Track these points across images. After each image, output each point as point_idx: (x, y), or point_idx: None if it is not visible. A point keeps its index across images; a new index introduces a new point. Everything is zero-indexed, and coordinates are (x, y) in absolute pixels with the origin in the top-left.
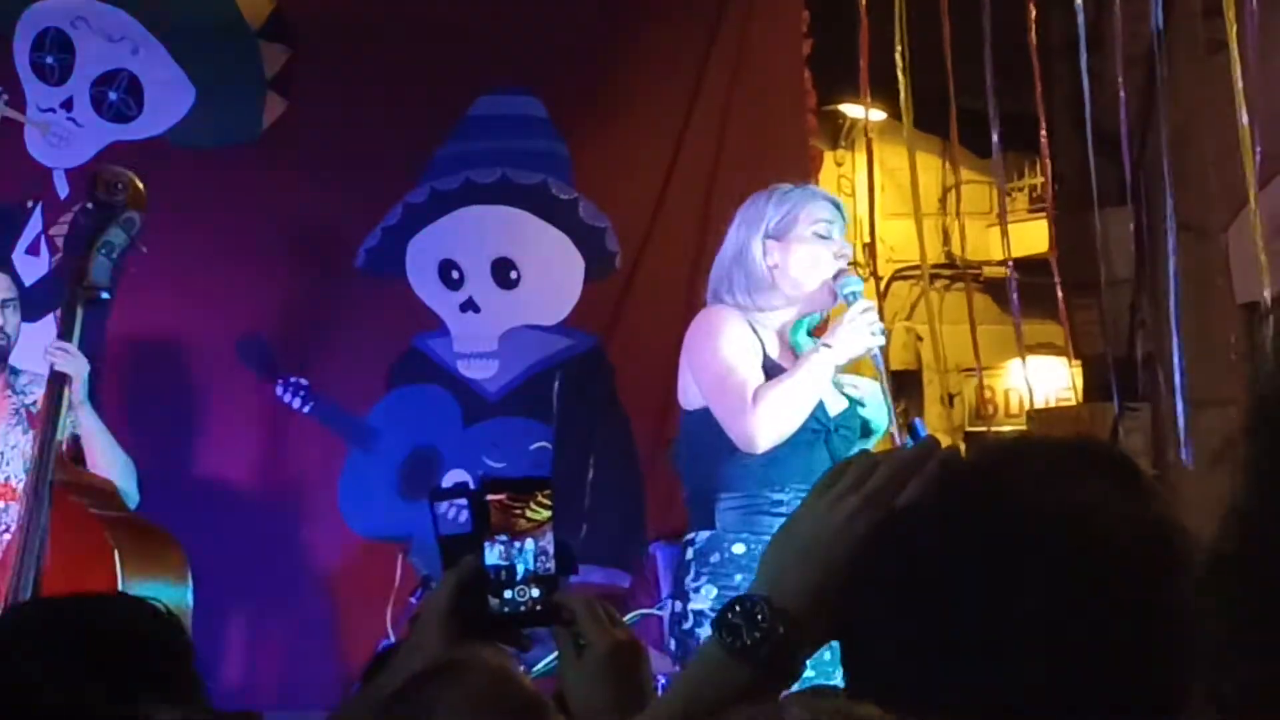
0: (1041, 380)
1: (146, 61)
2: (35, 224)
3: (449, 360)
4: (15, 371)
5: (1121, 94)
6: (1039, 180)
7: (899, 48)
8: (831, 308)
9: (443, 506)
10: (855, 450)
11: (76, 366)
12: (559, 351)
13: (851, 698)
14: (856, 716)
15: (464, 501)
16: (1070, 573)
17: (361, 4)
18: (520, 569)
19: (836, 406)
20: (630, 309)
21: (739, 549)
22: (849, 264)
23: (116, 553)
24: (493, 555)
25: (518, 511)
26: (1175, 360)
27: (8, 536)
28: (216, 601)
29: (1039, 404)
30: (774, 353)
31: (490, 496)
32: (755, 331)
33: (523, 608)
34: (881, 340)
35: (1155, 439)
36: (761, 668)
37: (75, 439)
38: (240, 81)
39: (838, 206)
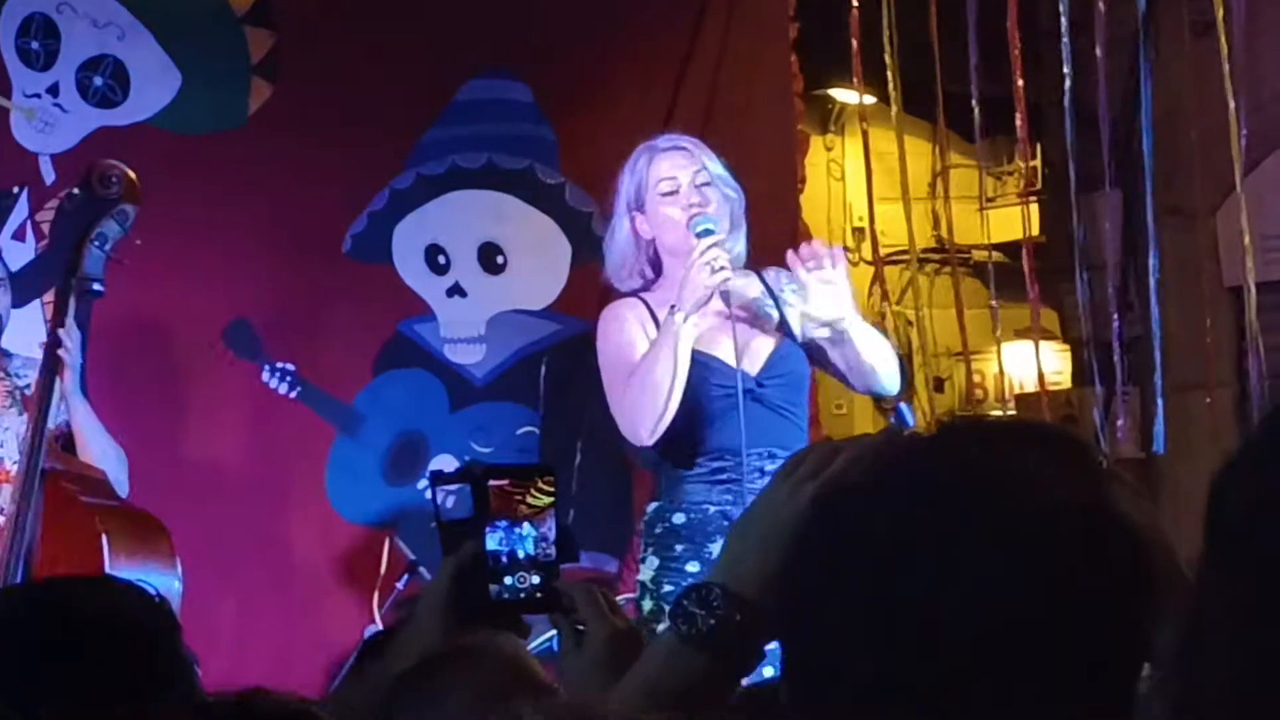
0: (1032, 364)
1: (132, 47)
2: (21, 210)
3: (436, 345)
4: (7, 355)
5: (1101, 77)
6: (1031, 164)
7: (887, 32)
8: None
9: (440, 492)
10: (797, 399)
11: (71, 357)
12: (546, 336)
13: (786, 681)
14: (591, 714)
15: (454, 487)
16: (1003, 544)
17: None
18: (520, 554)
19: (754, 363)
20: (617, 294)
21: (679, 519)
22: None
23: (105, 539)
24: (493, 541)
25: (518, 497)
26: (1155, 345)
27: (1, 520)
28: (204, 587)
29: (1030, 389)
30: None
31: (492, 482)
32: (652, 312)
33: (523, 594)
34: (725, 275)
35: (1143, 423)
36: (718, 654)
37: (66, 427)
38: (226, 67)
39: (687, 151)
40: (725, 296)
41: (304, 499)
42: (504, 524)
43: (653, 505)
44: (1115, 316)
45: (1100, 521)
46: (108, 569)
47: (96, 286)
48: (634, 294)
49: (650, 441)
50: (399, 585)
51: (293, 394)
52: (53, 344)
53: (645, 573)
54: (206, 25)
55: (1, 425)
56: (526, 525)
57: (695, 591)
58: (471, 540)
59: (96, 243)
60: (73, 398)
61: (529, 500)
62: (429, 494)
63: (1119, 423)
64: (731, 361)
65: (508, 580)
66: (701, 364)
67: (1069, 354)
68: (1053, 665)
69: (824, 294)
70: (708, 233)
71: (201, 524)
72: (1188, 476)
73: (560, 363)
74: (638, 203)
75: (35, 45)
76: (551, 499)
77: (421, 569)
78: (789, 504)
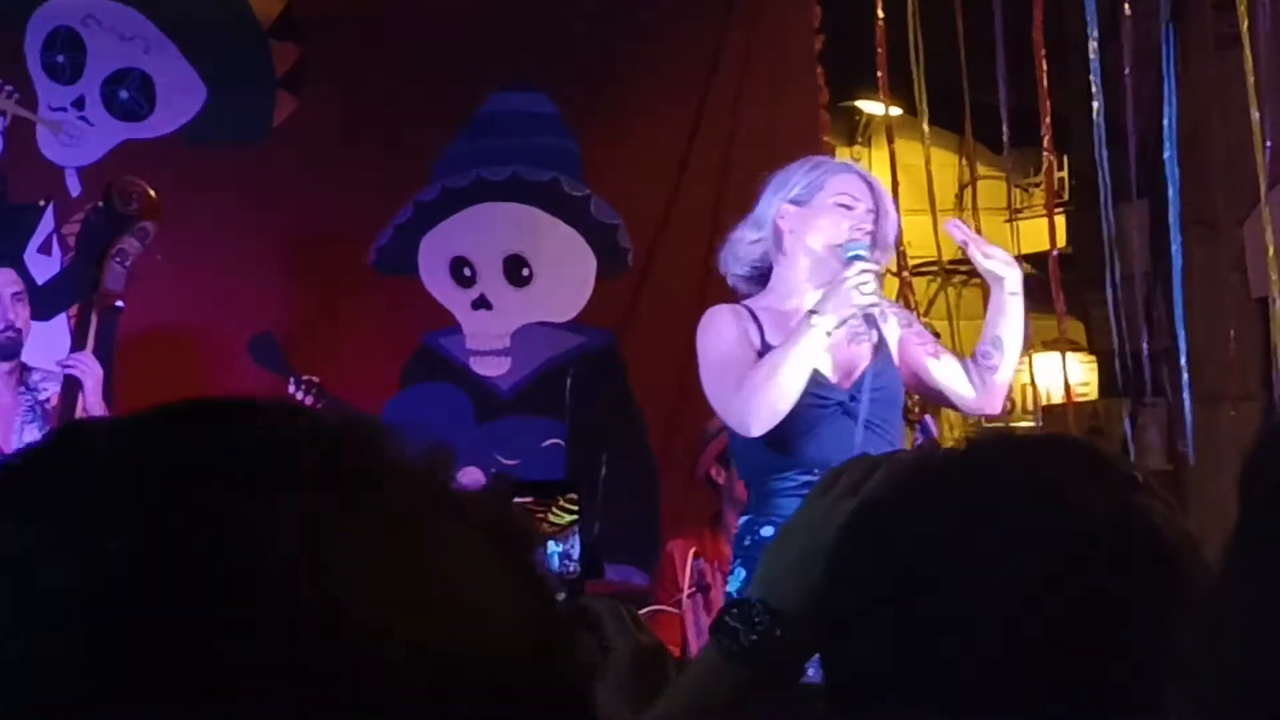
0: (1059, 376)
1: (158, 60)
2: (47, 223)
3: (461, 357)
4: (29, 368)
5: (1128, 88)
6: (1059, 175)
7: (913, 44)
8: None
9: None
10: (890, 415)
11: (92, 373)
12: (571, 349)
13: (829, 694)
14: None
15: None
16: (1040, 556)
17: (371, 2)
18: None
19: (849, 378)
20: (643, 306)
21: (767, 531)
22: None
23: None
24: None
25: (541, 515)
26: (1182, 356)
27: None
28: None
29: (1056, 400)
30: (778, 338)
31: (516, 500)
32: (755, 318)
33: None
34: (873, 299)
35: (1170, 434)
36: (759, 670)
37: None
38: (251, 80)
39: (871, 186)
40: (870, 320)
41: None
42: None
43: (744, 518)
44: (1144, 328)
45: (1132, 533)
46: None
47: (118, 303)
48: (738, 302)
49: (758, 434)
50: None
51: (318, 407)
52: (66, 367)
53: (733, 584)
54: (232, 39)
55: (23, 439)
56: (550, 544)
57: (736, 607)
58: None
59: (117, 259)
60: (94, 412)
61: (551, 519)
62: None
63: (1147, 434)
64: (829, 374)
65: None
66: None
67: (1095, 365)
68: (1087, 676)
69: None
70: (859, 258)
71: None
72: (1214, 488)
73: (586, 375)
74: (799, 197)
75: (61, 59)
76: (574, 517)
77: None
78: (828, 520)
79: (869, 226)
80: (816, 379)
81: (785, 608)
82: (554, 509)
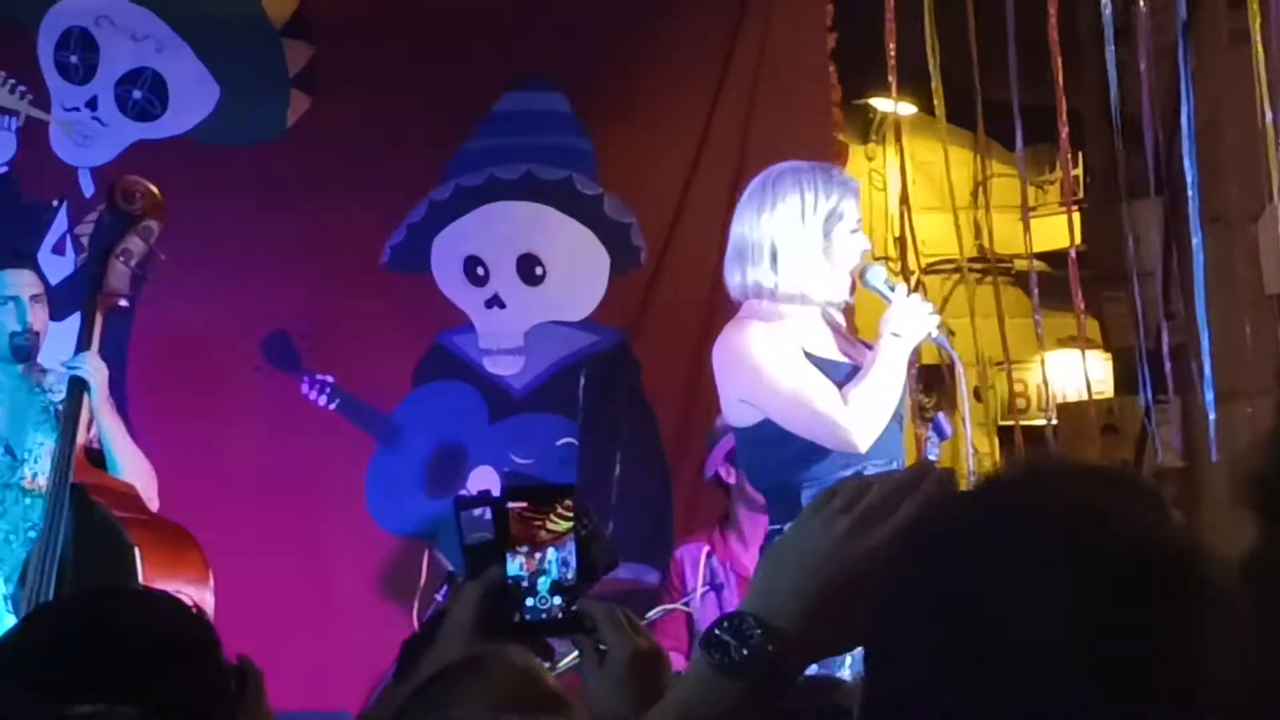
0: (1074, 374)
1: (171, 60)
2: (61, 223)
3: (474, 357)
4: (42, 370)
5: (1145, 85)
6: (1073, 172)
7: (929, 42)
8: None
9: (469, 512)
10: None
11: (98, 374)
12: (585, 347)
13: (873, 712)
14: None
15: (469, 496)
16: (1110, 584)
17: (385, 1)
18: (542, 579)
19: None
20: (656, 304)
21: None
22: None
23: (138, 553)
24: (514, 566)
25: (538, 523)
26: (1204, 354)
27: (33, 534)
28: (243, 599)
29: (1072, 398)
30: (818, 348)
31: (511, 505)
32: (786, 335)
33: (545, 616)
34: (937, 320)
35: (1186, 432)
36: (751, 684)
37: (97, 441)
38: (264, 79)
39: (858, 194)
40: (939, 340)
41: (344, 510)
42: (525, 549)
43: (772, 527)
44: (1160, 324)
45: (1190, 568)
46: (141, 582)
47: (123, 303)
48: (755, 318)
49: (864, 450)
50: (439, 597)
51: (332, 406)
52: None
53: None
54: (244, 38)
55: (36, 440)
56: (549, 550)
57: (728, 621)
58: (495, 565)
59: (121, 259)
60: (100, 414)
61: (549, 526)
62: (455, 520)
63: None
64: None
65: (529, 603)
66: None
67: (1111, 363)
68: (1136, 703)
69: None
70: (891, 285)
71: (241, 536)
72: (1229, 484)
73: (599, 373)
74: (829, 224)
75: (74, 59)
76: (571, 523)
77: (459, 577)
78: (822, 536)
79: (862, 245)
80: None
81: (778, 622)
82: (551, 516)
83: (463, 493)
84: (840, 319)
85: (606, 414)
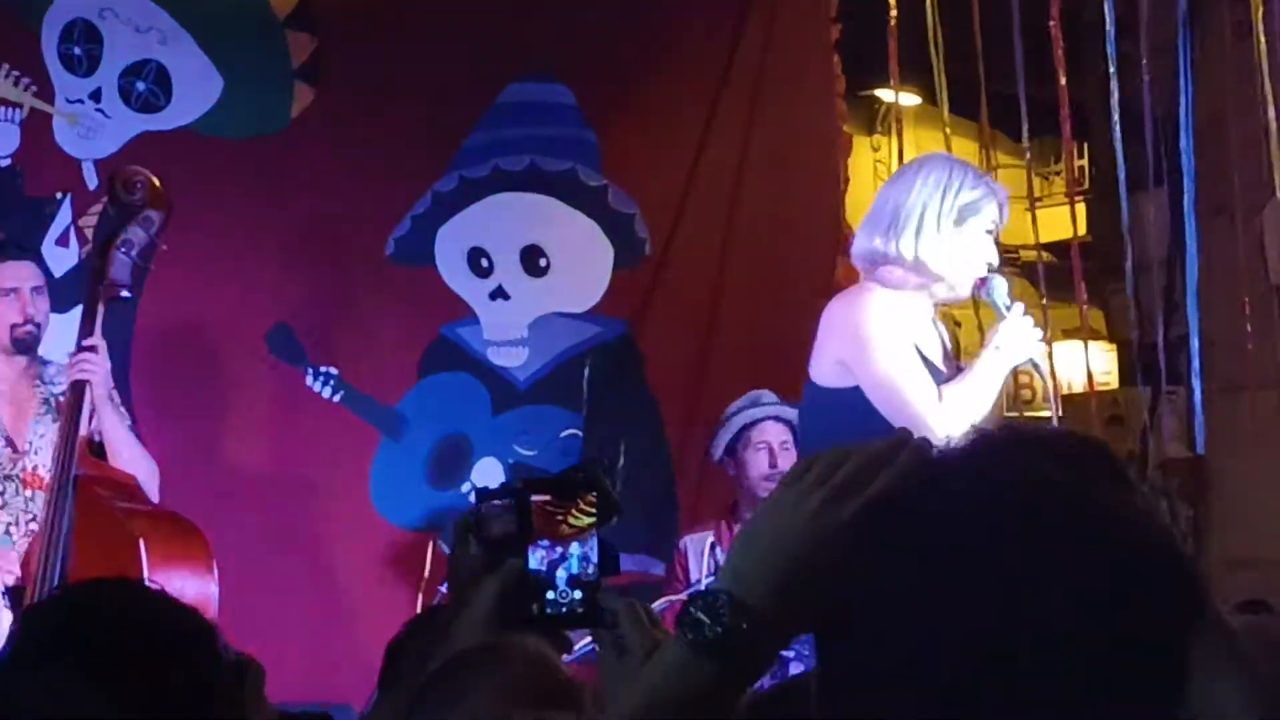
0: (1079, 365)
1: (174, 52)
2: (64, 215)
3: (479, 348)
4: (44, 361)
5: (1146, 78)
6: (1078, 164)
7: (932, 33)
8: (957, 302)
9: (490, 504)
10: None
11: (99, 369)
12: (588, 339)
13: (826, 692)
14: None
15: (491, 488)
16: (1069, 559)
17: None
18: (562, 573)
19: None
20: (660, 295)
21: None
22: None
23: (142, 544)
24: (535, 559)
25: (560, 517)
26: (1194, 345)
27: (34, 526)
28: (247, 591)
29: (1078, 389)
30: (926, 347)
31: (534, 498)
32: (904, 315)
33: (564, 609)
34: (1044, 348)
35: (1189, 423)
36: (724, 663)
37: (99, 433)
38: (268, 71)
39: (1004, 209)
40: (1039, 368)
41: (348, 502)
42: (546, 543)
43: None
44: (1162, 316)
45: (1152, 540)
46: (145, 574)
47: (125, 293)
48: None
49: None
50: (442, 589)
51: (336, 398)
52: (74, 367)
53: None
54: (248, 29)
55: (37, 432)
56: (571, 544)
57: (702, 599)
58: (515, 558)
59: (122, 249)
60: (102, 406)
61: (571, 520)
62: (476, 513)
63: (1166, 422)
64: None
65: (550, 596)
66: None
67: (1115, 354)
68: (1105, 684)
69: None
70: (1010, 302)
71: (245, 528)
72: (1235, 475)
73: (603, 365)
74: (960, 215)
75: (78, 51)
76: (593, 518)
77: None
78: (796, 511)
79: (997, 255)
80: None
81: (752, 600)
82: (574, 510)
83: (483, 485)
84: (946, 335)
85: (610, 405)
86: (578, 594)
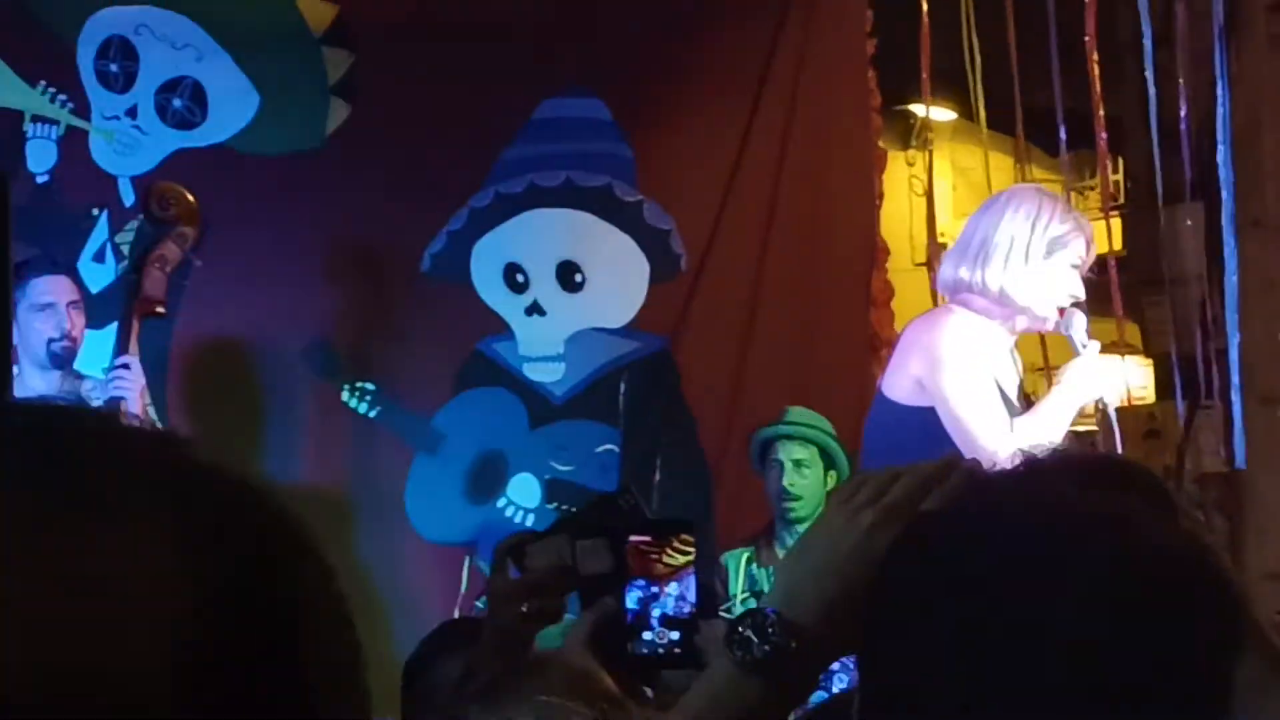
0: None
1: (210, 68)
2: (101, 231)
3: (515, 363)
4: (81, 376)
5: (1182, 90)
6: (1114, 177)
7: (967, 48)
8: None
9: (583, 542)
10: None
11: (134, 386)
12: (625, 354)
13: (869, 709)
14: None
15: (525, 505)
16: (1109, 580)
17: (424, 8)
18: (658, 612)
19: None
20: (696, 311)
21: None
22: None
23: None
24: (631, 599)
25: (655, 556)
26: (1233, 358)
27: None
28: None
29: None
30: (1003, 380)
31: (632, 538)
32: (986, 343)
33: (661, 650)
34: (1114, 390)
35: (1226, 437)
36: (772, 681)
37: None
38: (304, 87)
39: (1091, 246)
40: (1108, 409)
41: (384, 518)
42: (642, 583)
43: None
44: (1200, 329)
45: (1200, 566)
46: None
47: (159, 309)
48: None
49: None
50: (479, 604)
51: (373, 413)
52: (112, 385)
53: None
54: (284, 46)
55: None
56: (668, 584)
57: (750, 618)
58: (610, 597)
59: (157, 265)
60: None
61: (665, 560)
62: (567, 546)
63: (1203, 437)
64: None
65: (647, 636)
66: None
67: (1152, 368)
68: (1151, 706)
69: None
70: (1086, 342)
71: None
72: (1272, 489)
73: (639, 380)
74: (1049, 249)
75: (114, 68)
76: (688, 558)
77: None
78: (846, 531)
79: (1081, 293)
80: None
81: (802, 619)
82: (668, 550)
83: (573, 518)
84: (1020, 369)
85: (647, 421)
86: (675, 634)
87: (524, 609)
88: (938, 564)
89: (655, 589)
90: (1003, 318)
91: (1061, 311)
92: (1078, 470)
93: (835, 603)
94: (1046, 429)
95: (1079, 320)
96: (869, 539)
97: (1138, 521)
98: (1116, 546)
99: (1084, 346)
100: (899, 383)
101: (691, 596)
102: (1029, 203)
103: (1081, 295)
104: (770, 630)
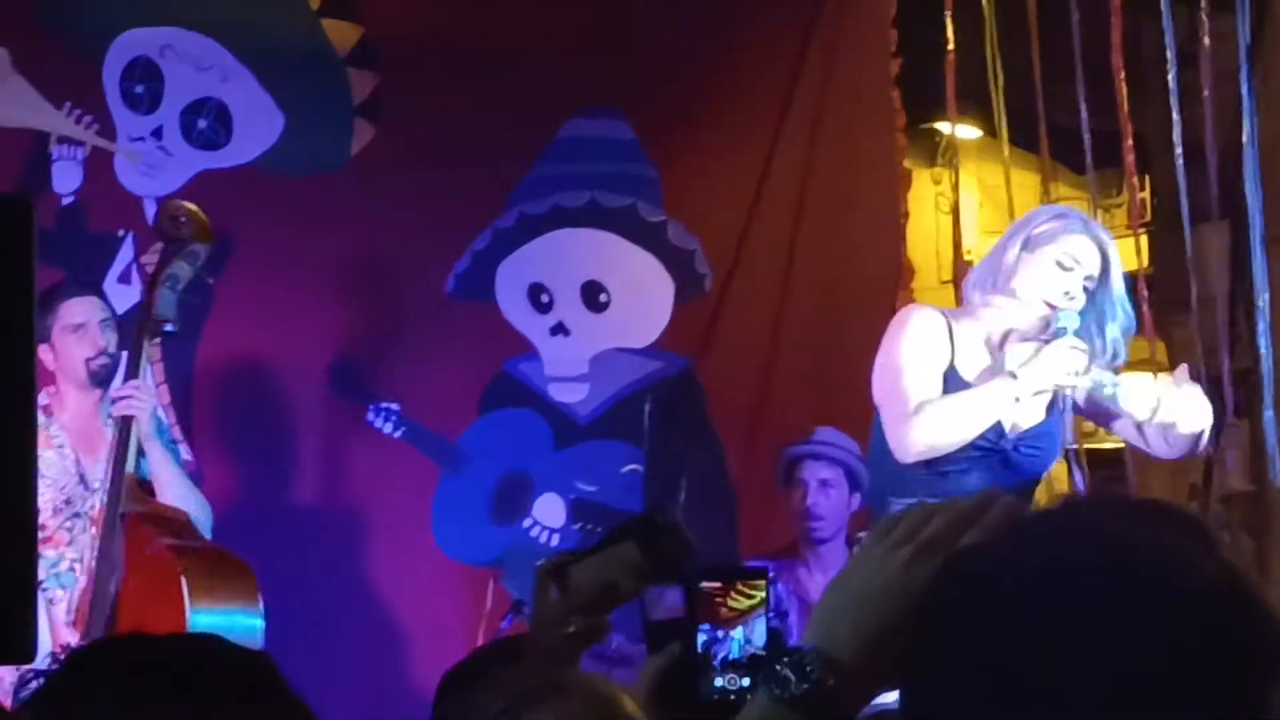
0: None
1: (235, 89)
2: (127, 253)
3: (540, 384)
4: (111, 400)
5: (1208, 109)
6: (1140, 195)
7: (991, 66)
8: (1035, 336)
9: (653, 589)
10: (1053, 457)
11: (145, 406)
12: (649, 374)
13: None
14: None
15: (551, 525)
16: (1150, 616)
17: (448, 29)
18: (721, 656)
19: (1025, 423)
20: (720, 331)
21: None
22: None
23: (184, 581)
24: (698, 644)
25: (720, 600)
26: (1266, 376)
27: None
28: (308, 627)
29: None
30: (965, 363)
31: (705, 584)
32: (950, 337)
33: (733, 695)
34: (1077, 382)
35: (1253, 455)
36: (811, 718)
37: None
38: (329, 108)
39: (1103, 251)
40: (1064, 400)
41: (409, 538)
42: (707, 627)
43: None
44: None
45: (1237, 602)
46: (187, 610)
47: (169, 327)
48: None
49: (908, 462)
50: (504, 625)
51: (397, 433)
52: (119, 404)
53: None
54: (309, 67)
55: (107, 471)
56: (735, 628)
57: (788, 655)
58: (679, 642)
59: (168, 284)
60: (149, 442)
61: (730, 604)
62: (610, 564)
63: (1229, 455)
64: (1005, 423)
65: (718, 683)
66: None
67: None
68: None
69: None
70: (1063, 332)
71: (307, 563)
72: None
73: (664, 400)
74: (1032, 242)
75: (139, 89)
76: (752, 601)
77: (527, 609)
78: (884, 567)
79: (1077, 294)
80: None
81: (839, 655)
82: (733, 593)
83: (613, 537)
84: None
85: (672, 441)
86: (746, 680)
87: (569, 629)
88: (981, 598)
89: (720, 633)
90: (991, 306)
91: (1053, 311)
92: (1118, 507)
93: (873, 638)
94: (961, 411)
95: (1064, 316)
96: (907, 574)
97: (1181, 555)
98: (1161, 579)
99: (1058, 336)
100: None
101: (760, 640)
102: (1033, 211)
103: (1075, 296)
104: (808, 668)
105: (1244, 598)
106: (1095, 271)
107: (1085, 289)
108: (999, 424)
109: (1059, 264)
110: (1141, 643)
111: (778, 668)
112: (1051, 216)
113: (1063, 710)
